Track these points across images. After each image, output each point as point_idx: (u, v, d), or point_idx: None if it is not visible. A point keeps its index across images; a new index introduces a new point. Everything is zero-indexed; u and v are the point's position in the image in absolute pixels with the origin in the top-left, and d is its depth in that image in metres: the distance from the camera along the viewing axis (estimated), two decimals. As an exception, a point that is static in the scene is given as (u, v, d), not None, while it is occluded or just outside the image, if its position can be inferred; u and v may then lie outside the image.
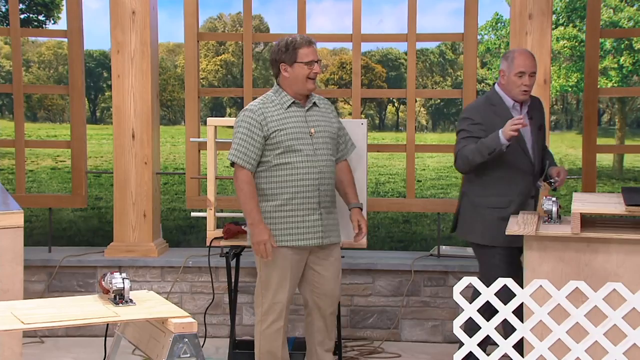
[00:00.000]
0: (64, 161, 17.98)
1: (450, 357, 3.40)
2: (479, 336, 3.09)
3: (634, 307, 3.02)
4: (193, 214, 5.18)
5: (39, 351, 5.37)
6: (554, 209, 4.10)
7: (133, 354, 5.03)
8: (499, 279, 3.08)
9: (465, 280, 3.07)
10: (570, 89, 20.62)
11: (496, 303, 3.10)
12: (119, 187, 5.71)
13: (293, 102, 4.22)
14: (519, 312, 3.19)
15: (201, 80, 6.07)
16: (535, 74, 4.44)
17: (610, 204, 4.08)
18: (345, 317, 5.53)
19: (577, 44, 19.39)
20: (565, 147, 21.64)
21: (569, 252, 3.90)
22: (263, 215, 4.16)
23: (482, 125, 4.37)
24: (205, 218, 4.84)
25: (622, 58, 19.28)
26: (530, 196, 4.46)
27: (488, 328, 3.10)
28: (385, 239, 10.75)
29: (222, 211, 5.42)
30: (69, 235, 10.48)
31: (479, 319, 3.10)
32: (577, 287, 3.04)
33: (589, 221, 4.12)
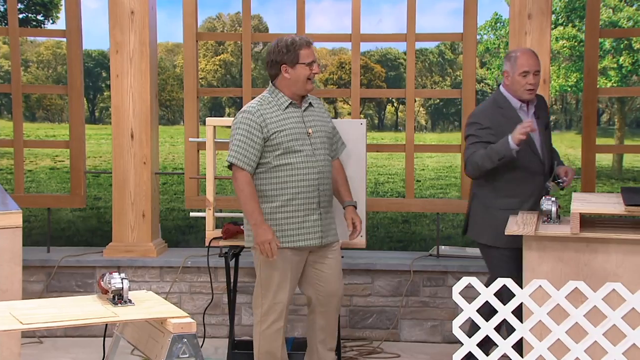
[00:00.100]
0: (63, 161, 17.96)
1: (450, 357, 3.40)
2: (479, 336, 3.09)
3: (633, 307, 3.02)
4: (192, 214, 5.17)
5: (38, 351, 5.36)
6: (553, 209, 4.10)
7: (132, 354, 5.03)
8: (499, 279, 3.08)
9: (465, 281, 3.06)
10: (569, 89, 20.62)
11: (495, 303, 3.10)
12: (117, 187, 5.71)
13: (291, 103, 4.22)
14: (518, 312, 3.19)
15: (200, 80, 6.07)
16: (540, 72, 4.42)
17: (609, 204, 4.08)
18: (344, 317, 5.53)
19: (576, 43, 19.39)
20: (564, 147, 21.62)
21: (568, 252, 3.90)
22: (264, 217, 4.16)
23: (491, 129, 4.34)
24: (204, 218, 4.83)
25: (622, 58, 19.28)
26: (541, 196, 4.42)
27: (487, 328, 3.10)
28: (385, 239, 10.75)
29: (221, 211, 5.41)
30: (68, 236, 10.48)
31: (478, 319, 3.10)
32: (576, 287, 3.04)
33: (588, 221, 4.12)
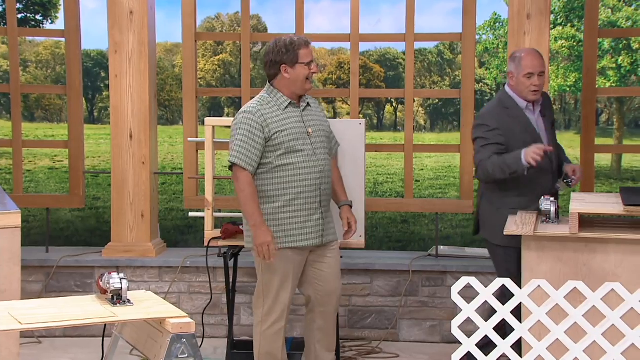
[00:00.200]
0: (62, 161, 17.94)
1: (449, 357, 3.40)
2: (478, 336, 3.08)
3: (632, 307, 3.02)
4: (191, 214, 5.17)
5: (37, 351, 5.36)
6: (552, 209, 4.09)
7: (131, 354, 5.03)
8: (498, 279, 3.08)
9: (464, 281, 3.06)
10: (568, 89, 20.61)
11: (494, 303, 3.10)
12: (116, 187, 5.71)
13: (290, 103, 4.22)
14: (517, 313, 3.19)
15: (199, 80, 6.06)
16: (544, 73, 4.41)
17: (608, 204, 4.08)
18: (343, 317, 5.53)
19: (575, 43, 19.38)
20: (563, 147, 21.63)
21: (567, 252, 3.90)
22: (265, 218, 4.15)
23: (499, 130, 4.33)
24: (203, 218, 4.83)
25: (620, 58, 19.28)
26: (551, 195, 4.39)
27: (486, 328, 3.10)
28: (384, 239, 10.74)
29: (220, 211, 5.41)
30: (67, 236, 10.47)
31: (477, 320, 3.10)
32: (575, 287, 3.04)
33: (587, 221, 4.12)
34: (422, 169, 18.61)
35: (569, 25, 19.74)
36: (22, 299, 3.91)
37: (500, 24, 21.31)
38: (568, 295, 3.05)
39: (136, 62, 5.65)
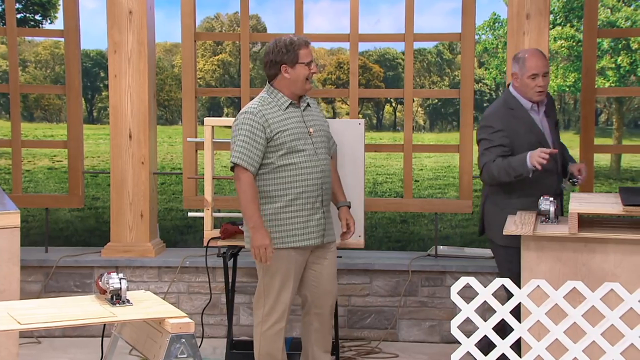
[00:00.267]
0: (61, 161, 17.94)
1: (448, 357, 3.39)
2: (477, 336, 3.08)
3: (631, 307, 3.02)
4: (190, 214, 5.17)
5: (36, 352, 5.36)
6: (552, 209, 4.09)
7: (130, 354, 5.02)
8: (497, 279, 3.08)
9: (463, 281, 3.06)
10: (567, 89, 20.61)
11: (493, 303, 3.10)
12: (116, 187, 5.70)
13: (291, 103, 4.22)
14: (516, 313, 3.19)
15: (198, 80, 6.07)
16: (549, 73, 4.40)
17: (607, 204, 4.08)
18: (342, 317, 5.53)
19: (574, 43, 19.39)
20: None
21: (567, 252, 3.90)
22: (266, 218, 4.15)
23: (504, 132, 4.33)
24: (202, 218, 4.83)
25: (620, 58, 19.28)
26: (556, 195, 4.38)
27: (485, 328, 3.09)
28: (383, 239, 10.74)
29: (219, 211, 5.41)
30: (66, 236, 10.46)
31: (476, 320, 3.10)
32: (574, 287, 3.04)
33: (586, 221, 4.12)
34: (422, 169, 18.61)
35: (568, 25, 19.75)
36: (21, 299, 3.91)
37: (500, 24, 21.31)
38: (567, 295, 3.05)
39: (135, 62, 5.65)
